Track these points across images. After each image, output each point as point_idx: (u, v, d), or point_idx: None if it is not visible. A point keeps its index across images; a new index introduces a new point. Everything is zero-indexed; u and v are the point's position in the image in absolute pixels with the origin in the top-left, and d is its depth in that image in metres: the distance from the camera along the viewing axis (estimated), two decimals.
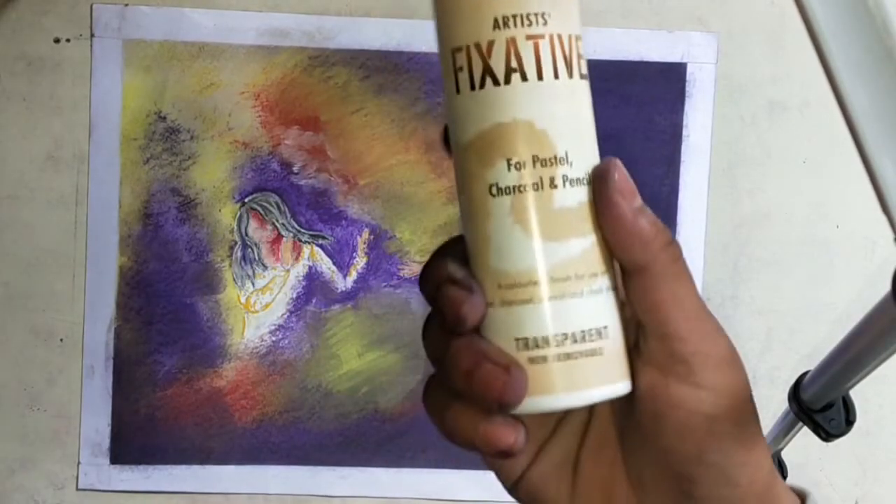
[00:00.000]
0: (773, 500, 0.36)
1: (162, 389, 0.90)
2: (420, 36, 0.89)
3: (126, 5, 0.88)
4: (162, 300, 0.90)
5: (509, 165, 0.34)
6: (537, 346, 0.34)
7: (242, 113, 0.89)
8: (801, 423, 0.68)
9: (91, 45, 0.88)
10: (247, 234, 0.90)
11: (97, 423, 0.90)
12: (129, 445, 0.90)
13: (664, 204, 0.91)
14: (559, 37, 0.34)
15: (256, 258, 0.90)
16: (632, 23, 0.90)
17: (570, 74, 0.35)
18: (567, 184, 0.34)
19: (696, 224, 0.91)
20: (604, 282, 0.35)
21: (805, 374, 0.67)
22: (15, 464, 0.90)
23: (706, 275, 0.92)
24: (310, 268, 0.90)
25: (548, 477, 0.38)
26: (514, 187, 0.34)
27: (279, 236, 0.90)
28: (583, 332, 0.34)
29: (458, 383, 0.34)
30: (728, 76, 0.91)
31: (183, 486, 0.90)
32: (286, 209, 0.90)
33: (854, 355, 0.56)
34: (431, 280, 0.35)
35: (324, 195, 0.90)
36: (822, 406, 0.65)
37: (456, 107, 0.35)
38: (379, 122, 0.90)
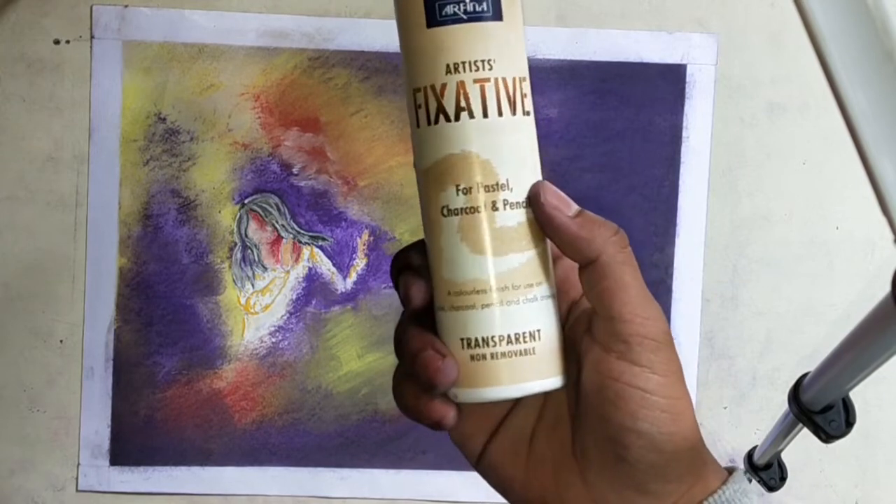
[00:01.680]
0: (698, 468, 0.41)
1: (162, 391, 0.90)
2: None
3: (126, 7, 0.88)
4: (162, 301, 0.90)
5: (457, 190, 0.40)
6: (478, 346, 0.40)
7: (242, 114, 0.89)
8: (801, 425, 0.68)
9: (91, 47, 0.88)
10: (246, 236, 0.90)
11: (97, 424, 0.90)
12: (128, 447, 0.90)
13: (664, 205, 0.91)
14: (503, 80, 0.40)
15: (256, 259, 0.90)
16: (631, 24, 0.90)
17: (514, 112, 0.40)
18: (507, 207, 0.40)
19: (695, 225, 0.91)
20: (539, 291, 0.41)
21: (805, 375, 0.67)
22: (14, 465, 0.90)
23: (706, 276, 0.92)
24: (310, 269, 0.90)
25: (505, 453, 0.44)
26: (461, 209, 0.40)
27: (279, 238, 0.90)
28: (517, 334, 0.40)
29: (407, 362, 0.41)
30: (728, 77, 0.91)
31: (183, 487, 0.90)
32: (286, 210, 0.90)
33: (854, 357, 0.56)
34: (395, 265, 0.43)
35: (324, 196, 0.90)
36: (822, 407, 0.65)
37: (417, 138, 0.41)
38: (379, 123, 0.90)
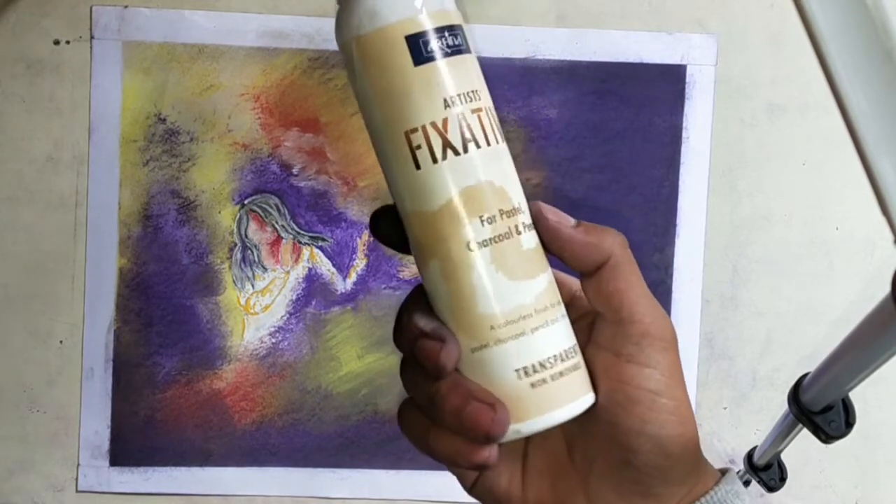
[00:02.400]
0: (700, 472, 0.42)
1: (161, 391, 0.90)
2: None
3: (125, 7, 0.88)
4: (161, 302, 0.90)
5: (482, 221, 0.39)
6: (536, 371, 0.39)
7: (242, 115, 0.89)
8: (800, 425, 0.68)
9: (91, 47, 0.88)
10: (246, 236, 0.90)
11: (97, 424, 0.90)
12: (128, 447, 0.90)
13: (664, 205, 0.91)
14: (488, 109, 0.40)
15: (256, 260, 0.90)
16: (631, 24, 0.90)
17: (498, 140, 0.40)
18: (525, 229, 0.40)
19: (695, 226, 0.91)
20: (563, 308, 0.41)
21: (805, 375, 0.67)
22: (14, 465, 0.90)
23: (706, 276, 0.92)
24: (309, 269, 0.90)
25: (500, 472, 0.44)
26: (490, 239, 0.39)
27: (279, 238, 0.90)
28: (565, 350, 0.40)
29: (447, 420, 0.40)
30: (728, 78, 0.91)
31: (182, 487, 0.90)
32: (286, 211, 0.90)
33: (854, 357, 0.56)
34: (405, 336, 0.41)
35: (323, 197, 0.90)
36: (822, 408, 0.65)
37: (417, 181, 0.39)
38: None
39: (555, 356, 0.39)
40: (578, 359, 0.40)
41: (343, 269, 0.91)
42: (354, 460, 0.91)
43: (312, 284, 0.91)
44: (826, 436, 0.66)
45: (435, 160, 0.39)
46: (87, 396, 0.90)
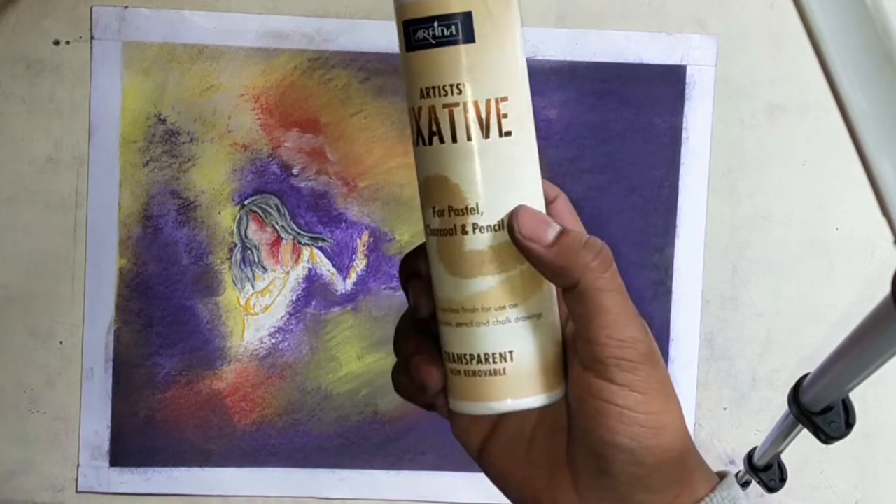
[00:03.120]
0: (685, 476, 0.42)
1: (161, 392, 0.90)
2: None
3: (126, 7, 0.88)
4: (161, 302, 0.90)
5: (433, 212, 0.41)
6: (453, 361, 0.41)
7: (242, 115, 0.89)
8: (800, 426, 0.68)
9: (91, 48, 0.88)
10: (246, 237, 0.90)
11: (97, 425, 0.90)
12: (128, 447, 0.90)
13: (664, 206, 0.91)
14: (475, 103, 0.40)
15: (256, 260, 0.90)
16: (631, 25, 0.90)
17: (487, 135, 0.40)
18: (477, 231, 0.40)
19: (695, 226, 0.91)
20: (514, 313, 0.41)
21: (805, 376, 0.67)
22: (14, 466, 0.90)
23: (706, 277, 0.92)
24: (309, 270, 0.90)
25: (503, 451, 0.45)
26: (437, 230, 0.41)
27: (279, 238, 0.90)
28: (486, 355, 0.40)
29: (402, 364, 0.43)
30: (727, 78, 0.91)
31: (182, 488, 0.90)
32: (286, 211, 0.90)
33: (854, 358, 0.56)
34: (406, 270, 0.44)
35: (323, 197, 0.90)
36: (822, 408, 0.65)
37: (414, 153, 0.42)
38: (379, 124, 0.90)
39: (471, 356, 0.40)
40: (508, 366, 0.41)
41: (343, 270, 0.91)
42: (354, 461, 0.91)
43: (312, 285, 0.91)
44: (826, 436, 0.66)
45: (414, 143, 0.41)
46: (87, 397, 0.89)
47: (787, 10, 0.90)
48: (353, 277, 0.91)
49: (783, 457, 0.83)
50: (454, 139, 0.40)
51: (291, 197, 0.90)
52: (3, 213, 0.89)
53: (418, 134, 0.40)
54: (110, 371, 0.90)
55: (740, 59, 0.91)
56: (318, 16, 0.89)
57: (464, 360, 0.41)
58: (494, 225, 0.40)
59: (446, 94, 0.40)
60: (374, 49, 0.89)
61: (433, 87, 0.40)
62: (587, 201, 0.91)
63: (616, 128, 0.91)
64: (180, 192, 0.89)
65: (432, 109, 0.40)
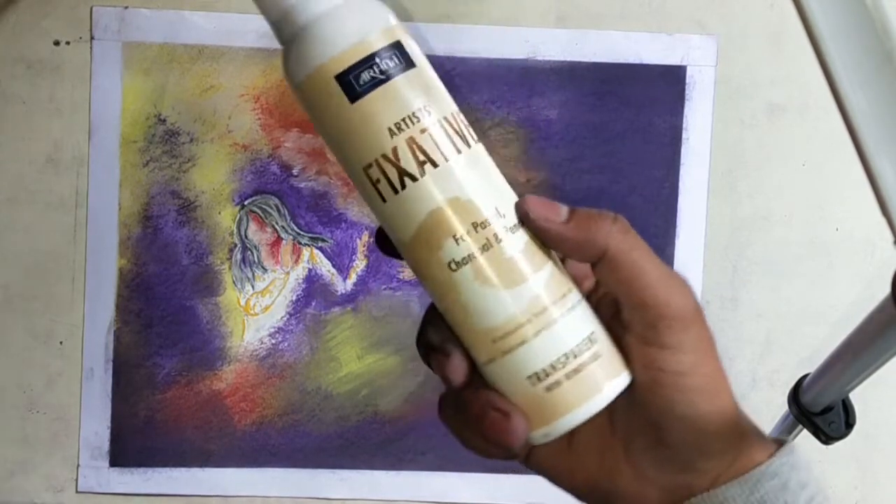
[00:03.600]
0: (740, 440, 0.41)
1: (161, 392, 0.90)
2: (420, 39, 0.89)
3: (126, 8, 0.88)
4: (161, 303, 0.90)
5: (456, 241, 0.39)
6: (547, 376, 0.39)
7: (242, 115, 0.89)
8: (800, 426, 0.68)
9: (91, 48, 0.88)
10: (246, 237, 0.90)
11: (96, 425, 0.90)
12: (128, 448, 0.90)
13: (664, 206, 0.91)
14: (445, 119, 0.39)
15: (256, 261, 0.90)
16: (631, 25, 0.90)
17: (468, 144, 0.39)
18: (508, 232, 0.39)
19: (695, 226, 0.91)
20: (574, 296, 0.40)
21: (805, 376, 0.67)
22: (14, 466, 0.90)
23: (705, 277, 0.92)
24: (309, 270, 0.90)
25: (547, 450, 0.43)
26: (467, 257, 0.39)
27: (279, 239, 0.90)
28: (577, 344, 0.39)
29: (473, 426, 0.40)
30: (728, 79, 0.91)
31: (182, 488, 0.90)
32: (286, 212, 0.90)
33: (854, 358, 0.56)
34: (420, 350, 0.42)
35: (323, 198, 0.90)
36: (822, 409, 0.65)
37: (387, 213, 0.40)
38: None
39: (565, 355, 0.39)
40: (597, 347, 0.39)
41: (343, 270, 0.91)
42: (354, 461, 0.91)
43: (312, 285, 0.91)
44: (826, 437, 0.66)
45: (395, 190, 0.39)
46: (87, 397, 0.89)
47: (787, 10, 0.90)
48: (353, 278, 0.91)
49: None
50: (446, 158, 0.39)
51: (291, 197, 0.90)
52: (3, 213, 0.89)
53: (402, 175, 0.38)
54: (110, 371, 0.90)
55: (740, 59, 0.91)
56: None
57: (559, 366, 0.39)
58: (516, 224, 0.40)
59: (419, 120, 0.39)
60: None
61: (403, 119, 0.38)
62: (587, 202, 0.91)
63: (616, 128, 0.91)
64: (180, 192, 0.89)
65: (411, 140, 0.38)
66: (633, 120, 0.91)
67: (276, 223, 0.90)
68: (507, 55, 0.89)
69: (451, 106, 0.40)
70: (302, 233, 0.90)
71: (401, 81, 0.39)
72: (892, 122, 0.31)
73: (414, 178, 0.38)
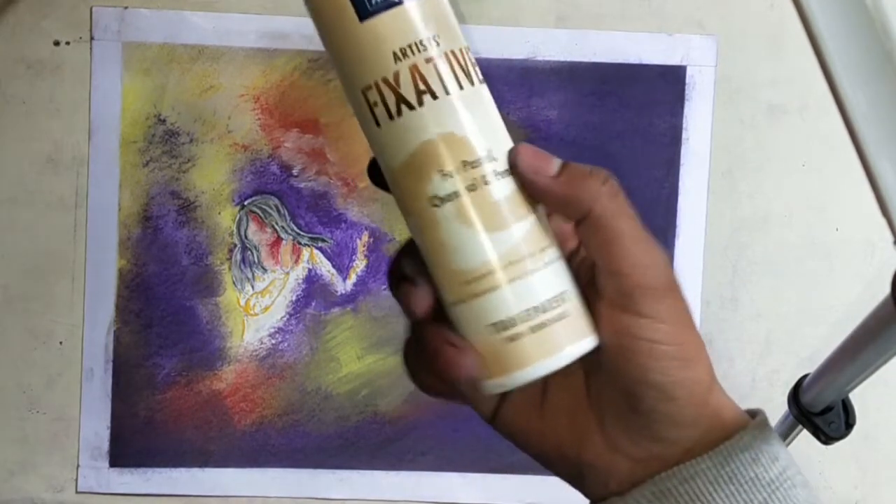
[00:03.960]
0: (713, 412, 0.41)
1: (161, 392, 0.90)
2: None
3: (126, 8, 0.88)
4: (161, 303, 0.90)
5: (443, 175, 0.38)
6: (511, 326, 0.38)
7: (242, 116, 0.89)
8: (800, 426, 0.68)
9: (91, 48, 0.88)
10: (246, 237, 0.90)
11: (96, 425, 0.90)
12: (128, 448, 0.90)
13: (663, 207, 0.91)
14: (452, 52, 0.38)
15: (256, 261, 0.90)
16: (631, 25, 0.90)
17: (472, 82, 0.39)
18: (497, 177, 0.38)
19: (695, 227, 0.91)
20: (552, 252, 0.39)
21: (805, 377, 0.67)
22: (14, 466, 0.90)
23: (705, 277, 0.92)
24: (309, 270, 0.90)
25: (518, 407, 0.43)
26: (452, 193, 0.38)
27: (279, 239, 0.90)
28: (547, 300, 0.38)
29: (429, 363, 0.40)
30: (727, 79, 0.91)
31: (182, 488, 0.90)
32: (286, 212, 0.90)
33: (854, 358, 0.56)
34: (391, 278, 0.42)
35: (323, 198, 0.90)
36: (822, 409, 0.65)
37: (380, 138, 0.39)
38: None
39: (533, 309, 0.38)
40: (566, 307, 0.39)
41: (343, 270, 0.91)
42: (354, 461, 0.91)
43: (312, 285, 0.91)
44: (826, 437, 0.66)
45: (391, 116, 0.38)
46: (87, 397, 0.89)
47: (787, 11, 0.90)
48: (353, 278, 0.91)
49: None
50: (447, 91, 0.38)
51: (291, 197, 0.90)
52: (3, 213, 0.89)
53: (399, 102, 0.38)
54: (110, 371, 0.90)
55: (740, 60, 0.91)
56: None
57: (525, 318, 0.38)
58: (507, 169, 0.39)
59: (425, 49, 0.38)
60: None
61: (410, 45, 0.37)
62: None
63: (616, 128, 0.91)
64: (180, 192, 0.89)
65: (415, 68, 0.37)
66: (633, 120, 0.91)
67: (276, 223, 0.90)
68: (507, 55, 0.89)
69: (460, 41, 0.39)
70: (302, 233, 0.90)
71: (413, 7, 0.38)
72: (892, 122, 0.31)
73: (411, 107, 0.38)
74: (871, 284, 0.92)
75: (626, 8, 0.90)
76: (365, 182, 0.90)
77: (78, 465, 0.90)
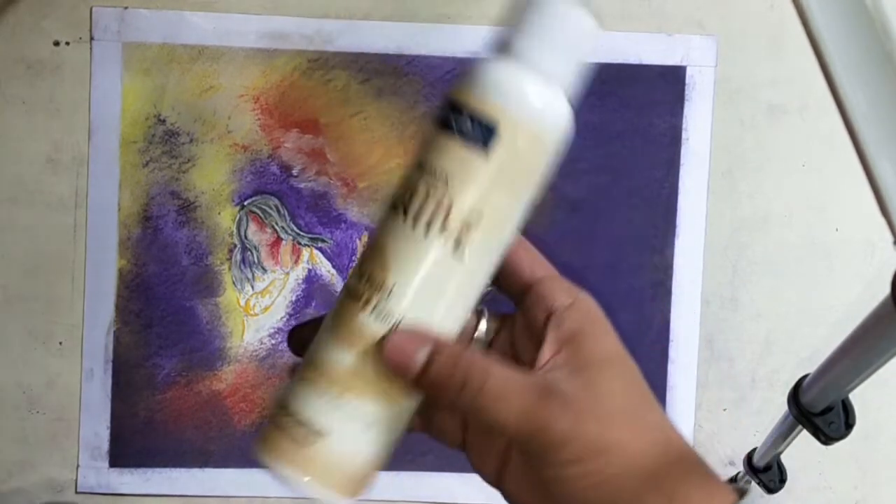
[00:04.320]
0: (667, 491, 0.37)
1: (161, 392, 0.90)
2: (420, 39, 0.89)
3: (125, 8, 0.88)
4: (161, 303, 0.90)
5: (357, 271, 0.40)
6: (285, 414, 0.40)
7: (242, 116, 0.89)
8: (800, 427, 0.68)
9: (91, 48, 0.88)
10: (246, 237, 0.90)
11: (96, 426, 0.90)
12: (128, 448, 0.90)
13: (663, 207, 0.91)
14: (449, 205, 0.39)
15: (256, 261, 0.90)
16: (631, 26, 0.90)
17: (453, 248, 0.38)
18: (374, 311, 0.38)
19: (695, 227, 0.91)
20: (353, 400, 0.39)
21: (804, 377, 0.67)
22: (14, 467, 0.90)
23: (705, 278, 0.92)
24: (309, 271, 0.90)
25: (516, 476, 0.42)
26: (348, 287, 0.40)
27: (278, 239, 0.90)
28: (305, 419, 0.39)
29: None
30: (727, 79, 0.91)
31: (182, 489, 0.90)
32: (286, 212, 0.90)
33: (854, 358, 0.56)
34: (292, 335, 0.44)
35: (323, 198, 0.90)
36: (822, 409, 0.65)
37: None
38: (378, 125, 0.90)
39: (293, 410, 0.39)
40: (318, 443, 0.40)
41: (343, 271, 0.91)
42: None
43: (312, 286, 0.90)
44: (826, 437, 0.66)
45: (390, 207, 0.41)
46: (87, 398, 0.89)
47: (787, 11, 0.90)
48: None
49: (783, 458, 0.83)
50: (414, 225, 0.38)
51: (291, 198, 0.90)
52: (2, 214, 0.89)
53: (394, 197, 0.39)
54: (110, 372, 0.90)
55: (740, 60, 0.91)
56: (317, 16, 0.89)
57: (282, 411, 0.40)
58: (387, 318, 0.38)
59: (435, 180, 0.38)
60: (374, 50, 0.89)
61: (432, 167, 0.38)
62: (587, 202, 0.91)
63: (616, 128, 0.91)
64: (180, 192, 0.89)
65: (412, 182, 0.38)
66: (633, 120, 0.91)
67: (276, 223, 0.90)
68: None
69: (471, 208, 0.39)
70: (302, 233, 0.90)
71: (462, 147, 0.39)
72: (892, 122, 0.31)
73: (393, 207, 0.39)
74: (871, 284, 0.92)
75: (625, 8, 0.90)
76: (365, 182, 0.90)
77: (78, 466, 0.90)
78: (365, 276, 0.38)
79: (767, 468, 0.83)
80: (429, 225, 0.38)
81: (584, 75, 0.37)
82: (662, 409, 0.40)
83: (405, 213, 0.38)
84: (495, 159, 0.38)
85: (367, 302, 0.38)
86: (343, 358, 0.39)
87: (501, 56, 0.38)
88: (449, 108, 0.38)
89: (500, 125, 0.38)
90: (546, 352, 0.40)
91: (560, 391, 0.38)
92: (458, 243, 0.38)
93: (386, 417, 0.41)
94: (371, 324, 0.38)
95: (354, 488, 0.41)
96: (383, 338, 0.38)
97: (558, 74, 0.38)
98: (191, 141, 0.89)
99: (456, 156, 0.38)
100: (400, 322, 0.38)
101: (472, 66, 0.39)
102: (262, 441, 0.42)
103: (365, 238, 0.90)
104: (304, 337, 0.41)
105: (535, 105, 0.38)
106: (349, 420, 0.40)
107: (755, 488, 0.85)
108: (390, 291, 0.38)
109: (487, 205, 0.39)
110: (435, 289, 0.39)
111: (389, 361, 0.38)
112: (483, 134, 0.38)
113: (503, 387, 0.38)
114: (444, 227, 0.38)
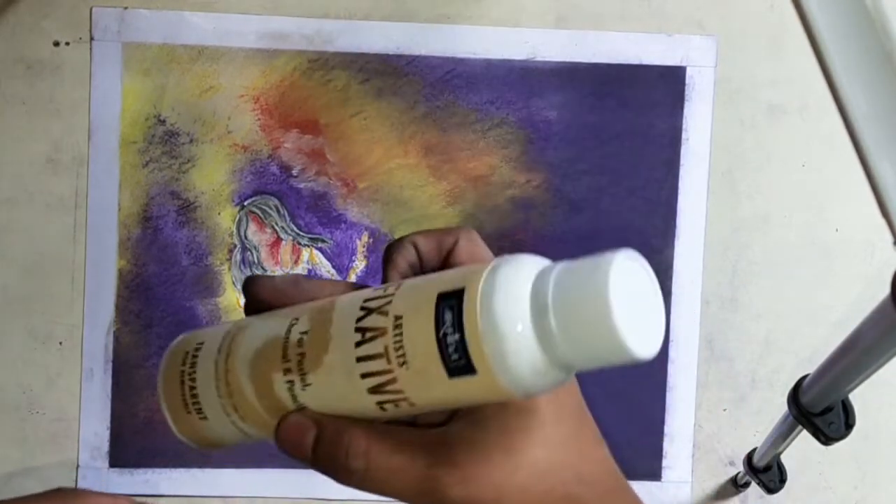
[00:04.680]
0: None
1: None
2: (420, 39, 0.89)
3: (125, 8, 0.88)
4: (161, 303, 0.90)
5: (300, 322, 0.39)
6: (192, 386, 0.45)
7: (242, 116, 0.89)
8: (800, 427, 0.68)
9: (90, 49, 0.88)
10: (246, 238, 0.90)
11: (96, 426, 0.90)
12: (128, 448, 0.90)
13: (663, 207, 0.91)
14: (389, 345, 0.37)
15: (256, 261, 0.90)
16: (631, 26, 0.90)
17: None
18: (287, 376, 0.38)
19: (695, 227, 0.91)
20: (243, 424, 0.40)
21: (804, 377, 0.67)
22: (14, 467, 0.90)
23: (705, 278, 0.92)
24: (309, 271, 0.90)
25: None
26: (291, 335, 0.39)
27: (278, 239, 0.90)
28: (200, 403, 0.44)
29: None
30: (727, 79, 0.91)
31: (182, 489, 0.90)
32: (285, 212, 0.90)
33: (853, 359, 0.56)
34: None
35: (323, 198, 0.90)
36: (822, 409, 0.65)
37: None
38: (378, 125, 0.90)
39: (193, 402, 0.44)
40: (196, 419, 0.44)
41: (343, 271, 0.91)
42: None
43: None
44: (826, 437, 0.66)
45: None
46: (87, 398, 0.89)
47: (787, 11, 0.90)
48: (352, 278, 0.91)
49: (783, 458, 0.83)
50: (358, 360, 0.36)
51: (291, 198, 0.90)
52: (2, 214, 0.89)
53: (367, 306, 0.37)
54: (110, 372, 0.90)
55: (740, 60, 0.91)
56: (318, 17, 0.89)
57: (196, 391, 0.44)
58: (295, 399, 0.38)
59: (396, 328, 0.35)
60: (374, 50, 0.89)
61: (400, 313, 0.35)
62: (586, 203, 0.91)
63: (615, 129, 0.91)
64: (180, 192, 0.89)
65: (379, 309, 0.36)
66: (633, 121, 0.91)
67: (276, 224, 0.90)
68: (506, 56, 0.89)
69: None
70: (301, 233, 0.90)
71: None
72: (892, 122, 0.31)
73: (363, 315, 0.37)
74: (871, 284, 0.92)
75: (625, 8, 0.90)
76: (364, 183, 0.90)
77: (78, 466, 0.90)
78: (304, 346, 0.37)
79: (767, 468, 0.83)
80: (366, 376, 0.36)
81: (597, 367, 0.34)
82: (594, 431, 0.39)
83: (363, 335, 0.36)
84: (454, 383, 0.35)
85: (288, 372, 0.38)
86: (248, 390, 0.39)
87: (531, 315, 0.34)
88: (456, 300, 0.34)
89: (479, 373, 0.34)
90: None
91: (453, 451, 0.37)
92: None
93: (263, 437, 0.41)
94: (281, 389, 0.38)
95: (210, 448, 0.44)
96: (284, 416, 0.39)
97: (568, 366, 0.34)
98: (191, 141, 0.89)
99: (426, 344, 0.35)
100: (302, 409, 0.38)
101: (512, 279, 0.35)
102: (163, 381, 0.47)
103: (365, 238, 0.90)
104: (261, 292, 0.41)
105: (526, 383, 0.34)
106: (231, 426, 0.41)
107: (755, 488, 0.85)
108: (309, 385, 0.37)
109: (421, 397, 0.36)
110: (347, 409, 0.38)
111: (282, 444, 0.39)
112: (459, 367, 0.35)
113: (387, 465, 0.38)
114: (377, 391, 0.36)
